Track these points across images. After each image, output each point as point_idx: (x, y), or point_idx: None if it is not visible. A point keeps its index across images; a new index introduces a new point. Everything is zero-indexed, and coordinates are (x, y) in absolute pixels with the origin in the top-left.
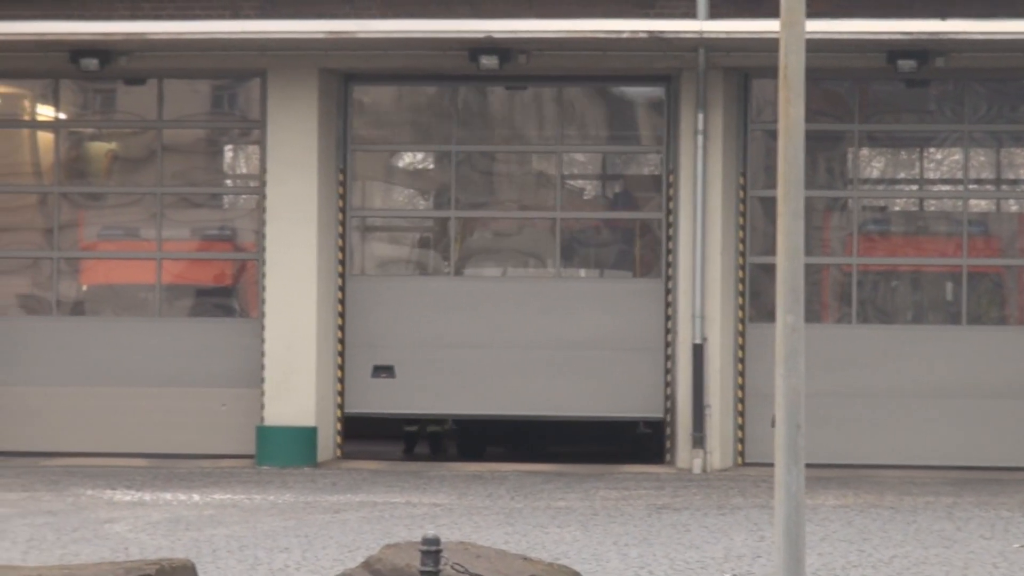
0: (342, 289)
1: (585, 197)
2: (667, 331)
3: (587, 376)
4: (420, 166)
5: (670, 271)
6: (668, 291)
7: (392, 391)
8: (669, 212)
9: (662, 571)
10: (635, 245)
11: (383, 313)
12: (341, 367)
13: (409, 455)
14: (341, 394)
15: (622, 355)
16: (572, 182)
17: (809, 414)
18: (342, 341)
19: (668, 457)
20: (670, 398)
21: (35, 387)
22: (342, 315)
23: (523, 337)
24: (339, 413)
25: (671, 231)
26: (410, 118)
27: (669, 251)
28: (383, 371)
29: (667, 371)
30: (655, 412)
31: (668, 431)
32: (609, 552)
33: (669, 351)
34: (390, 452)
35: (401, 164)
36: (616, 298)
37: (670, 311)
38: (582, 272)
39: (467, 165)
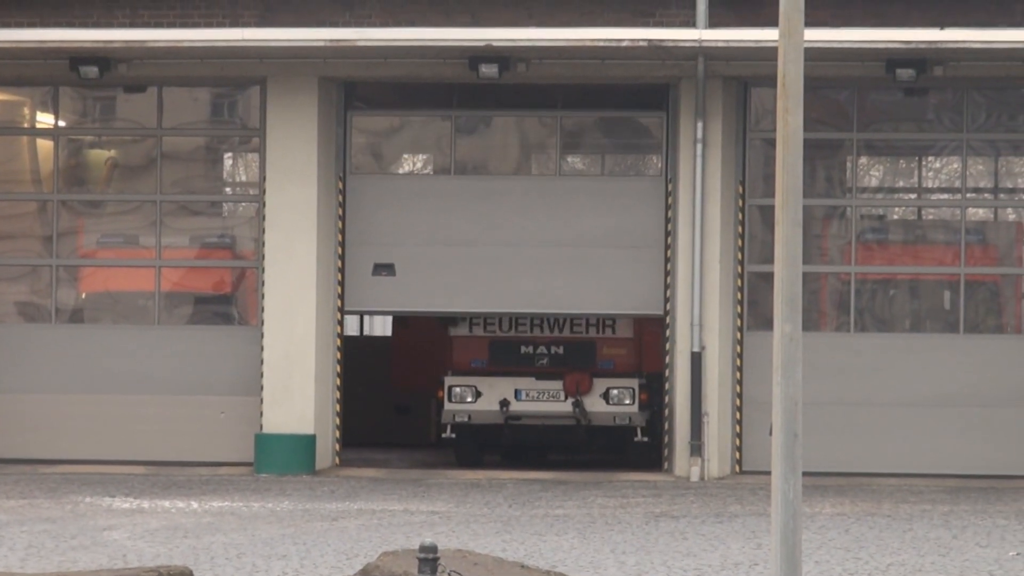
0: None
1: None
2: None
3: (588, 274)
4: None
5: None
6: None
7: (392, 289)
8: (668, 220)
9: None
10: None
11: (384, 212)
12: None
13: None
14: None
15: (622, 253)
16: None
17: (806, 422)
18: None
19: (666, 465)
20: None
21: (33, 394)
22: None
23: (525, 235)
24: (337, 421)
25: (670, 239)
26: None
27: (667, 269)
28: (383, 269)
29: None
30: (655, 310)
31: (666, 439)
32: (607, 560)
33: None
34: (388, 460)
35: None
36: (617, 196)
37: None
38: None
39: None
